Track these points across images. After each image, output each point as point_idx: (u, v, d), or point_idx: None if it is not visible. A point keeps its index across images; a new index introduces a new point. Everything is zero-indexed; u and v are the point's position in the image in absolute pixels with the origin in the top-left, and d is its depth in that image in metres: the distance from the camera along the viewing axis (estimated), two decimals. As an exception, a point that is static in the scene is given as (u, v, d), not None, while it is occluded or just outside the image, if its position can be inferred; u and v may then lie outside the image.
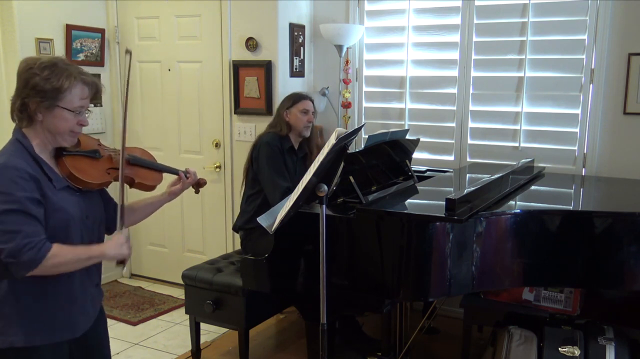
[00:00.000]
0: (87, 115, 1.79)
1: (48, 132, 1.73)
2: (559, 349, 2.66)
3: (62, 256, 1.66)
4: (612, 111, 3.33)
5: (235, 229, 3.36)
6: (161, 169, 2.08)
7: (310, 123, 3.33)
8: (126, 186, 1.95)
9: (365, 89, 4.02)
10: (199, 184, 2.19)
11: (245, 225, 3.23)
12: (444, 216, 2.22)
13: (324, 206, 1.99)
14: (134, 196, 2.01)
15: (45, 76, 1.67)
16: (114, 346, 3.50)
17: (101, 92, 1.84)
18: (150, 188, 2.04)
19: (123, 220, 1.87)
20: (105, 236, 1.98)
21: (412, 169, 3.16)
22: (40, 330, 1.73)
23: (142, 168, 2.03)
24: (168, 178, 2.14)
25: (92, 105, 4.29)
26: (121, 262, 1.83)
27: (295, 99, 3.31)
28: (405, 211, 2.42)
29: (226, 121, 4.10)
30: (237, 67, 3.96)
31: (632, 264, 2.37)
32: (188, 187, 2.13)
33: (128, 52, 1.95)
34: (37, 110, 1.69)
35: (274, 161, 3.13)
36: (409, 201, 2.71)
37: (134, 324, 3.87)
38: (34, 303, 1.72)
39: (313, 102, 3.38)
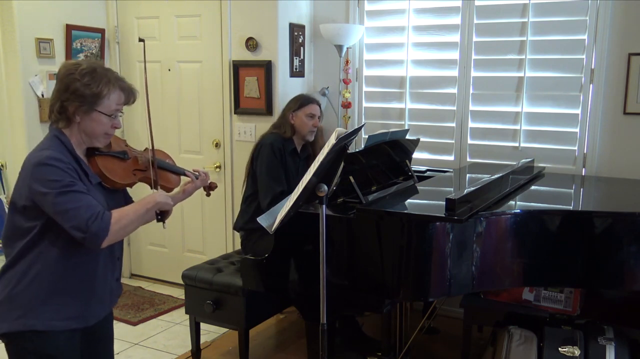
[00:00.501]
0: (120, 115, 1.90)
1: (84, 133, 1.84)
2: (559, 349, 2.66)
3: (124, 217, 1.78)
4: (612, 111, 3.33)
5: (236, 228, 3.36)
6: (180, 173, 2.18)
7: (316, 128, 3.30)
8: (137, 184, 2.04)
9: (365, 89, 4.02)
10: (210, 187, 2.28)
11: (246, 225, 3.22)
12: (444, 216, 2.22)
13: (324, 206, 1.99)
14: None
15: (85, 82, 1.77)
16: (114, 346, 3.51)
17: (136, 97, 1.95)
18: (170, 190, 2.14)
19: (157, 181, 2.02)
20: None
21: (412, 169, 3.16)
22: (60, 316, 1.82)
23: (164, 171, 2.13)
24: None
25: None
26: (161, 218, 1.96)
27: (302, 102, 3.28)
28: (405, 211, 2.42)
29: (226, 121, 4.10)
30: (237, 67, 3.96)
31: (632, 264, 2.37)
32: (200, 187, 2.21)
33: (141, 40, 2.10)
34: (75, 113, 1.80)
35: (272, 163, 3.12)
36: (409, 201, 2.71)
37: (134, 324, 3.87)
38: (56, 290, 1.81)
39: (320, 107, 3.35)
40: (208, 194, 2.31)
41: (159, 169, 2.09)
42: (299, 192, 2.03)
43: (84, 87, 1.77)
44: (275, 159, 3.13)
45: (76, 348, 1.90)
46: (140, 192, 2.17)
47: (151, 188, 2.05)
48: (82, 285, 1.86)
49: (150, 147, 2.05)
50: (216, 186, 2.31)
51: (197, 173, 2.20)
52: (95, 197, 1.81)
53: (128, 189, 2.06)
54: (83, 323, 1.88)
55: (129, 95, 1.90)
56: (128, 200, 2.05)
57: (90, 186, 1.83)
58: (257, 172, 3.17)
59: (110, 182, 1.90)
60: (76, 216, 1.69)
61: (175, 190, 2.18)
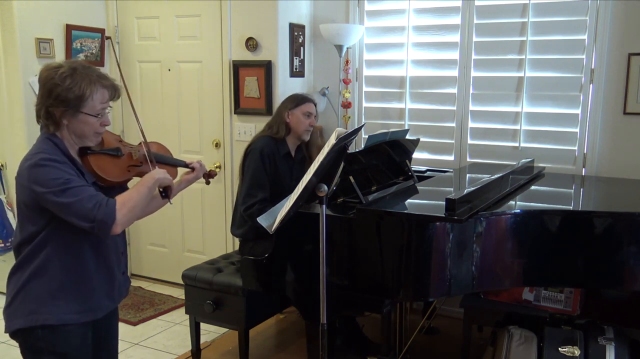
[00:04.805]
0: (108, 112, 1.90)
1: (74, 134, 1.84)
2: (559, 349, 2.66)
3: (129, 200, 1.79)
4: (612, 111, 3.33)
5: (233, 234, 3.29)
6: (176, 164, 2.18)
7: (312, 127, 3.20)
8: None
9: (365, 89, 4.02)
10: (209, 175, 2.28)
11: (237, 231, 3.17)
12: (444, 216, 2.22)
13: (324, 206, 1.99)
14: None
15: (67, 86, 1.76)
16: (114, 346, 3.51)
17: (120, 93, 1.93)
18: None
19: (152, 159, 2.01)
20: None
21: (412, 169, 3.16)
22: (72, 309, 1.85)
23: (160, 164, 2.09)
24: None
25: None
26: (165, 194, 1.95)
27: (299, 100, 3.17)
28: (405, 211, 2.42)
29: (226, 121, 4.10)
30: (237, 67, 3.96)
31: (632, 264, 2.37)
32: (199, 177, 2.21)
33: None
34: (62, 117, 1.80)
35: (258, 170, 3.02)
36: (409, 201, 2.71)
37: (134, 324, 3.87)
38: (67, 284, 1.84)
39: (316, 106, 3.27)
40: (208, 182, 2.31)
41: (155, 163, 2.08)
42: (299, 192, 2.03)
43: (66, 91, 1.76)
44: (262, 166, 3.02)
45: (88, 344, 1.93)
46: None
47: None
48: (91, 279, 1.88)
49: (144, 141, 2.05)
50: (216, 174, 2.32)
51: (193, 165, 2.20)
52: None
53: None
54: (92, 315, 1.91)
55: (112, 92, 1.89)
56: None
57: None
58: (242, 177, 3.11)
59: (105, 181, 1.89)
60: (81, 208, 1.70)
61: (174, 181, 2.15)
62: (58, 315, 1.82)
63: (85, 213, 1.70)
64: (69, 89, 1.76)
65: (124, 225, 1.76)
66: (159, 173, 1.91)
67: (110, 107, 1.92)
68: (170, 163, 2.16)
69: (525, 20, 3.47)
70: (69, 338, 1.86)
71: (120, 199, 1.77)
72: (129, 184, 2.00)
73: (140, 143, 2.07)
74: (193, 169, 2.18)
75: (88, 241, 1.85)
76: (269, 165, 3.05)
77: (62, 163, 1.76)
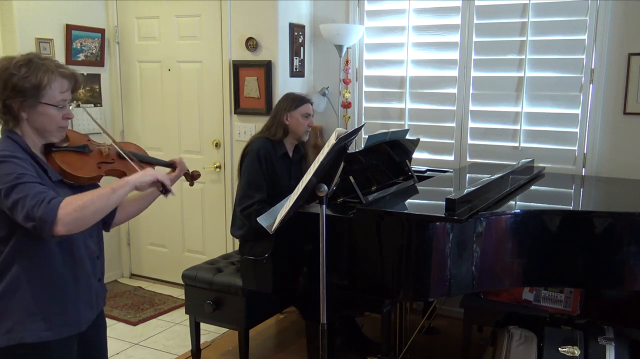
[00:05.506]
0: (70, 107, 1.79)
1: (35, 130, 1.74)
2: (559, 349, 2.66)
3: (78, 198, 1.62)
4: (612, 111, 3.33)
5: (233, 235, 3.29)
6: (152, 162, 2.05)
7: (310, 127, 3.19)
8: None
9: (365, 89, 4.02)
10: (192, 177, 2.15)
11: (237, 232, 3.17)
12: (444, 216, 2.22)
13: (324, 206, 1.99)
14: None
15: (22, 75, 1.67)
16: (114, 346, 3.51)
17: (80, 84, 1.83)
18: None
19: (129, 155, 1.87)
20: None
21: (412, 169, 3.16)
22: (49, 325, 1.75)
23: (132, 162, 1.98)
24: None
25: (92, 105, 4.31)
26: (163, 189, 1.81)
27: (298, 102, 3.13)
28: (405, 211, 2.42)
29: (226, 121, 4.10)
30: (237, 67, 3.96)
31: (632, 264, 2.37)
32: (180, 175, 2.07)
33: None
34: (20, 110, 1.70)
35: (254, 171, 3.01)
36: (409, 201, 2.71)
37: (134, 324, 3.87)
38: (42, 299, 1.74)
39: (312, 105, 3.25)
40: (191, 184, 2.17)
41: (127, 160, 1.94)
42: (299, 192, 2.03)
43: (22, 80, 1.66)
44: (259, 167, 3.01)
45: (72, 358, 1.84)
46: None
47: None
48: (68, 289, 1.78)
49: (113, 140, 1.93)
50: (199, 175, 2.18)
51: (171, 162, 2.07)
52: (62, 195, 1.70)
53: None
54: (77, 328, 1.82)
55: (72, 81, 1.78)
56: None
57: (51, 184, 1.72)
58: (239, 179, 3.11)
59: (72, 177, 1.78)
60: (24, 205, 1.56)
61: None
62: (36, 333, 1.72)
63: (27, 211, 1.55)
64: (25, 77, 1.66)
65: (68, 225, 1.57)
66: (133, 176, 1.74)
67: (75, 100, 1.82)
68: (145, 161, 2.02)
69: (525, 20, 3.47)
70: (51, 355, 1.76)
71: (69, 197, 1.62)
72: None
73: (112, 143, 1.95)
74: (174, 166, 2.05)
75: (59, 249, 1.74)
76: (266, 166, 3.04)
77: (21, 159, 1.64)
